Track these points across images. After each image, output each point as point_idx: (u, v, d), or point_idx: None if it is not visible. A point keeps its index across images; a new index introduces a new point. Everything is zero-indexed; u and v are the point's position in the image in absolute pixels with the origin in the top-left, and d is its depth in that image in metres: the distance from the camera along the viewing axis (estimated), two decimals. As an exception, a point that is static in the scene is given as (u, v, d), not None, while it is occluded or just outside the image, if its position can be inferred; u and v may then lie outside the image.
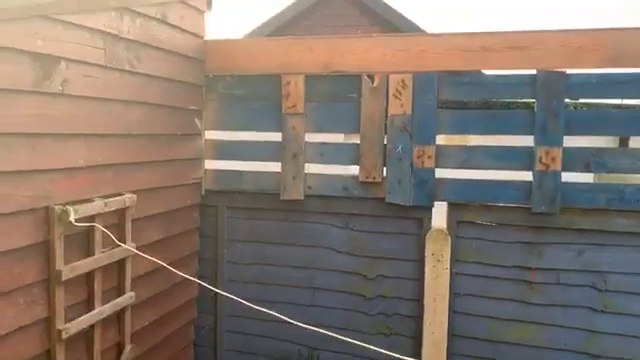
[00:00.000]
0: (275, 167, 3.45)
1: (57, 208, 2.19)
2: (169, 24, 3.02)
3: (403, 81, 3.18)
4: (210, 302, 3.61)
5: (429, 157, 3.19)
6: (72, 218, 2.19)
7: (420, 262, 3.28)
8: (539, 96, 3.00)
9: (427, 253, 3.25)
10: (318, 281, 3.51)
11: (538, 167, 3.01)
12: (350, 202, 3.40)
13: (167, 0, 2.96)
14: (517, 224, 3.13)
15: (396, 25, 8.61)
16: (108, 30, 2.52)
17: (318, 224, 3.49)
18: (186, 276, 2.46)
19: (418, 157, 3.20)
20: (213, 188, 3.57)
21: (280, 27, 9.10)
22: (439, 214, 3.31)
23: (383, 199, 3.30)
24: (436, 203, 3.26)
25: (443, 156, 3.20)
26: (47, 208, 2.18)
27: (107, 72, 2.53)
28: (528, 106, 3.55)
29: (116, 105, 2.61)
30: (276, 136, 3.42)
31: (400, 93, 3.19)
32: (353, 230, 3.44)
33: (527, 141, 3.05)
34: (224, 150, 3.59)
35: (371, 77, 3.26)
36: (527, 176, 3.07)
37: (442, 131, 3.21)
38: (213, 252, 3.62)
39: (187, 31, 3.21)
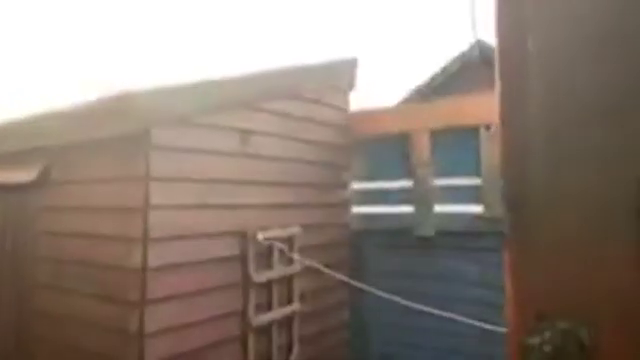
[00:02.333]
0: (409, 209, 4.09)
1: (250, 231, 3.19)
2: (323, 103, 4.07)
3: (517, 127, 3.62)
4: (358, 326, 4.24)
5: (548, 192, 3.48)
6: (260, 237, 3.16)
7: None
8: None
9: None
10: (455, 312, 3.88)
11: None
12: (478, 237, 3.81)
13: (321, 87, 4.03)
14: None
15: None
16: (282, 111, 3.61)
17: (449, 258, 3.94)
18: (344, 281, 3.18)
19: (538, 193, 3.52)
20: (359, 228, 4.34)
21: (436, 88, 9.85)
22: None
23: (509, 233, 3.64)
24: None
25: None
26: (244, 232, 3.19)
27: (281, 139, 3.59)
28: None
29: (287, 163, 3.64)
30: (408, 183, 4.11)
31: (515, 138, 3.63)
32: (483, 264, 3.80)
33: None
34: (366, 196, 4.38)
35: (488, 127, 3.78)
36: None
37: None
38: (360, 282, 4.30)
39: (336, 106, 4.24)
